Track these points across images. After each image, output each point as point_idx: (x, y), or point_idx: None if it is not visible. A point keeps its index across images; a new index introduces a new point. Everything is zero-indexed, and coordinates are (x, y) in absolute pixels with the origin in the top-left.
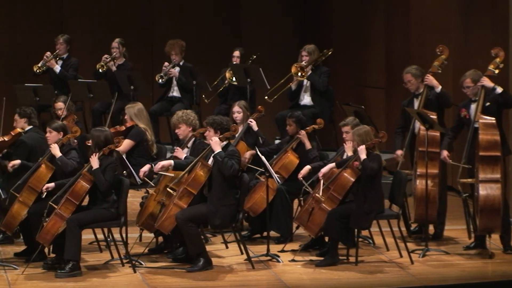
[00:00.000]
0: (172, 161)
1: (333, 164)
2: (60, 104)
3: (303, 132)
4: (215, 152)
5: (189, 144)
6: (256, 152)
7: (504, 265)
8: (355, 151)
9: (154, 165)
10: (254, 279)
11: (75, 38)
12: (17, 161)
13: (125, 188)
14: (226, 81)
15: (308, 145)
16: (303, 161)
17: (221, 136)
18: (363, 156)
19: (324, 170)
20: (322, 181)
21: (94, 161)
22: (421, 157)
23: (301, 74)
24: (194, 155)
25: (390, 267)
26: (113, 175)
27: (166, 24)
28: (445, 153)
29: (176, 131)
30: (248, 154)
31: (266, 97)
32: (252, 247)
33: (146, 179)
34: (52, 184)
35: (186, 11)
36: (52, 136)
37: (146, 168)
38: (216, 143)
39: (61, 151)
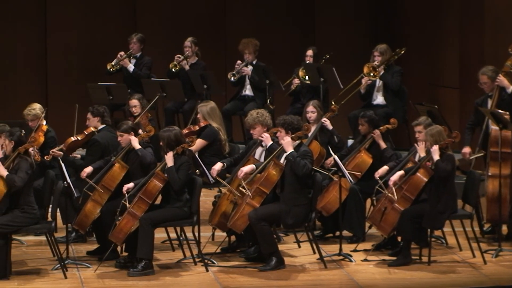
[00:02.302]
0: (254, 166)
1: (402, 172)
2: (134, 102)
3: (377, 132)
4: (288, 153)
5: (264, 143)
6: (329, 151)
7: None
8: (428, 152)
9: (226, 163)
10: (327, 279)
11: (148, 37)
12: (90, 169)
13: (198, 187)
14: (292, 85)
15: (382, 145)
16: (377, 161)
17: (293, 135)
18: (436, 157)
19: (394, 178)
20: (394, 188)
21: (170, 159)
22: (493, 158)
23: (373, 74)
24: (268, 154)
25: (463, 267)
26: (187, 174)
27: (239, 23)
28: None
29: (251, 131)
30: (330, 160)
31: (333, 103)
32: (325, 247)
33: (218, 178)
34: (131, 184)
35: (260, 10)
36: (123, 139)
37: (218, 166)
38: (288, 143)
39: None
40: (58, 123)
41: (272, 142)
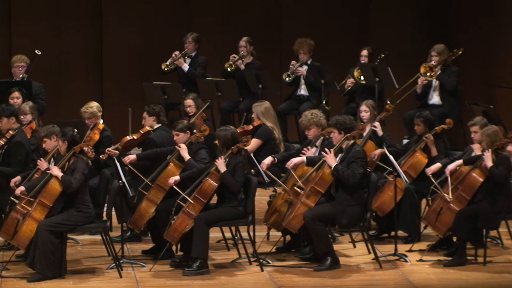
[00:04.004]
0: (304, 158)
1: (460, 161)
2: (189, 101)
3: (430, 137)
4: (332, 168)
5: (318, 143)
6: (384, 151)
7: None
8: (484, 151)
9: (277, 157)
10: (382, 279)
11: (203, 37)
12: (133, 156)
13: (253, 187)
14: (346, 85)
15: (434, 151)
16: (432, 161)
17: (348, 135)
18: (489, 163)
19: (450, 166)
20: (450, 181)
21: (221, 165)
22: None
23: (430, 74)
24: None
25: None
26: (243, 175)
27: (294, 22)
28: None
29: (306, 132)
30: (378, 151)
31: (388, 102)
32: (380, 247)
33: (273, 176)
34: (177, 177)
35: (315, 9)
36: (179, 138)
37: (268, 161)
38: (330, 159)
39: (189, 150)
40: (113, 122)
41: (314, 155)
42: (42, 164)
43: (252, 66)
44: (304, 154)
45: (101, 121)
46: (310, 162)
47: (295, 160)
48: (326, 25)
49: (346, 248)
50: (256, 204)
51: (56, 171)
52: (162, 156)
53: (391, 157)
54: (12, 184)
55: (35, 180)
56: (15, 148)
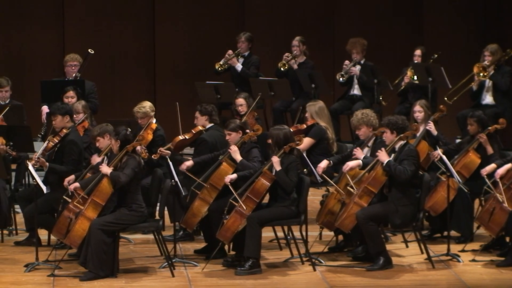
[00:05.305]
0: (360, 161)
1: (509, 165)
2: (240, 100)
3: (484, 137)
4: (384, 163)
5: (370, 143)
6: (439, 152)
7: None
8: None
9: (332, 160)
10: (434, 279)
11: (256, 37)
12: (190, 162)
13: (305, 186)
14: (403, 82)
15: (489, 150)
16: (485, 161)
17: (401, 135)
18: None
19: (500, 171)
20: (500, 185)
21: (277, 163)
22: None
23: (483, 74)
24: (376, 154)
25: None
26: (297, 174)
27: (348, 22)
28: None
29: (357, 132)
30: (436, 152)
31: (445, 98)
32: (433, 247)
33: (325, 176)
34: (234, 176)
35: (368, 9)
36: (231, 137)
37: (324, 164)
38: (383, 155)
39: (242, 150)
40: (166, 121)
41: (364, 155)
42: (95, 158)
43: (305, 66)
44: (354, 155)
45: (154, 121)
46: (366, 165)
47: (351, 163)
48: (379, 24)
49: (399, 248)
50: (309, 204)
51: (105, 169)
52: (217, 158)
53: (443, 157)
54: (65, 183)
55: (89, 179)
56: (69, 147)
